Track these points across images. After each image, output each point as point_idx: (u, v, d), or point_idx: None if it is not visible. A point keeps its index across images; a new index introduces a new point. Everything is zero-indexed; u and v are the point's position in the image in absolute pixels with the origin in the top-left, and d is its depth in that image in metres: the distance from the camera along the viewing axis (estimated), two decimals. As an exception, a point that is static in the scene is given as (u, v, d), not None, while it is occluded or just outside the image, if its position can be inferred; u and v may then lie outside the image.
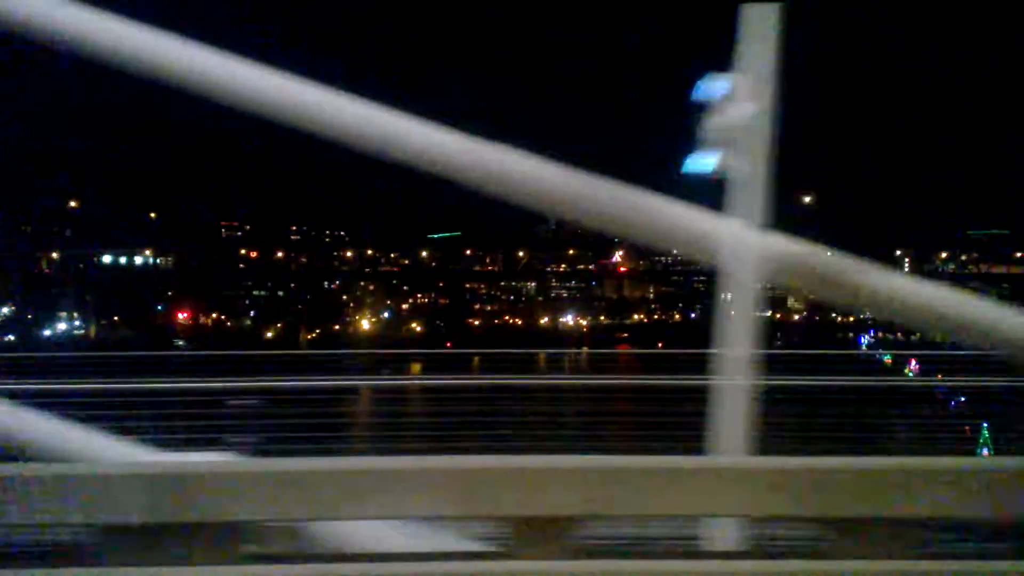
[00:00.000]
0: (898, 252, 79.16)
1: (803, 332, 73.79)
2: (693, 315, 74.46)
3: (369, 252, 78.63)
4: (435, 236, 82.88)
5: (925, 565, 3.45)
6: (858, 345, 67.65)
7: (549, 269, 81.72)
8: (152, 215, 73.49)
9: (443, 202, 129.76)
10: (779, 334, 74.19)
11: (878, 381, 9.29)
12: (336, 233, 78.26)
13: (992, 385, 9.56)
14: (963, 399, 10.73)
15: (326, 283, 76.36)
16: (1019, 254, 77.79)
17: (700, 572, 3.60)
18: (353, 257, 77.90)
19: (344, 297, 75.71)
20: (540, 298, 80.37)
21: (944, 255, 79.33)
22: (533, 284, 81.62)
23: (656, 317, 77.16)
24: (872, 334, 73.03)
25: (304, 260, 78.07)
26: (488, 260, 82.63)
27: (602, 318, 77.10)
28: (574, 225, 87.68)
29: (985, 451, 9.15)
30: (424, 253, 79.85)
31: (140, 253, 71.00)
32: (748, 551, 3.72)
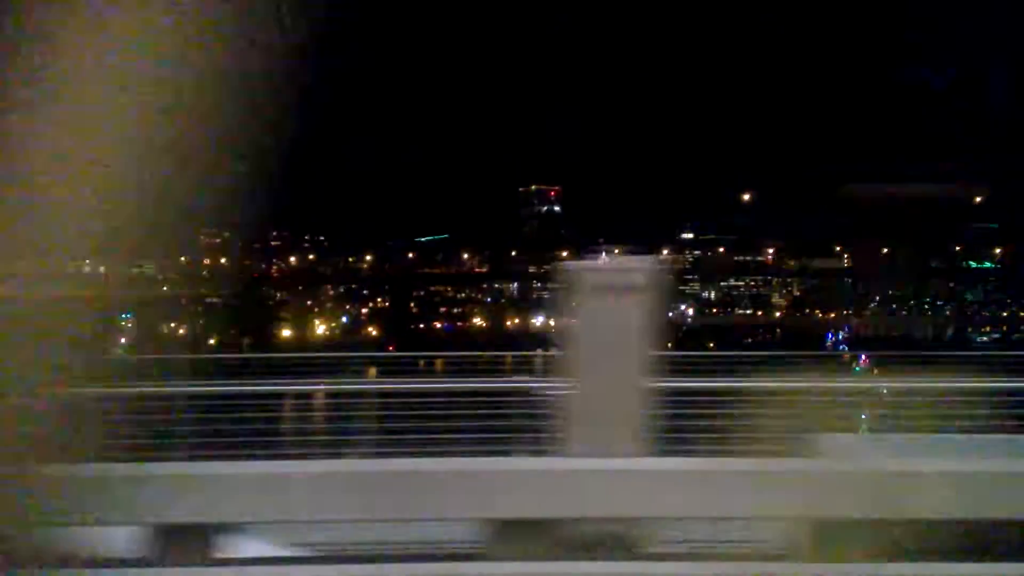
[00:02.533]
0: (837, 248, 79.64)
1: (783, 329, 74.22)
2: (671, 314, 74.66)
3: (311, 256, 78.18)
4: (423, 239, 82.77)
5: (923, 566, 3.49)
6: (825, 341, 67.98)
7: (531, 270, 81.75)
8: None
9: (432, 204, 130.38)
10: (758, 331, 74.94)
11: (785, 381, 9.29)
12: (316, 238, 78.05)
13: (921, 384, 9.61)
14: (884, 392, 10.83)
15: (289, 288, 75.96)
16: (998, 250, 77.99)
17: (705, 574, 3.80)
18: (298, 261, 77.64)
19: (303, 302, 75.51)
20: (516, 299, 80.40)
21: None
22: (515, 285, 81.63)
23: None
24: (847, 330, 73.54)
25: (267, 266, 77.67)
26: (475, 261, 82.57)
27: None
28: (559, 224, 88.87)
29: None
30: (368, 256, 79.39)
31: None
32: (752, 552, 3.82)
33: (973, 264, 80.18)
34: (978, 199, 76.23)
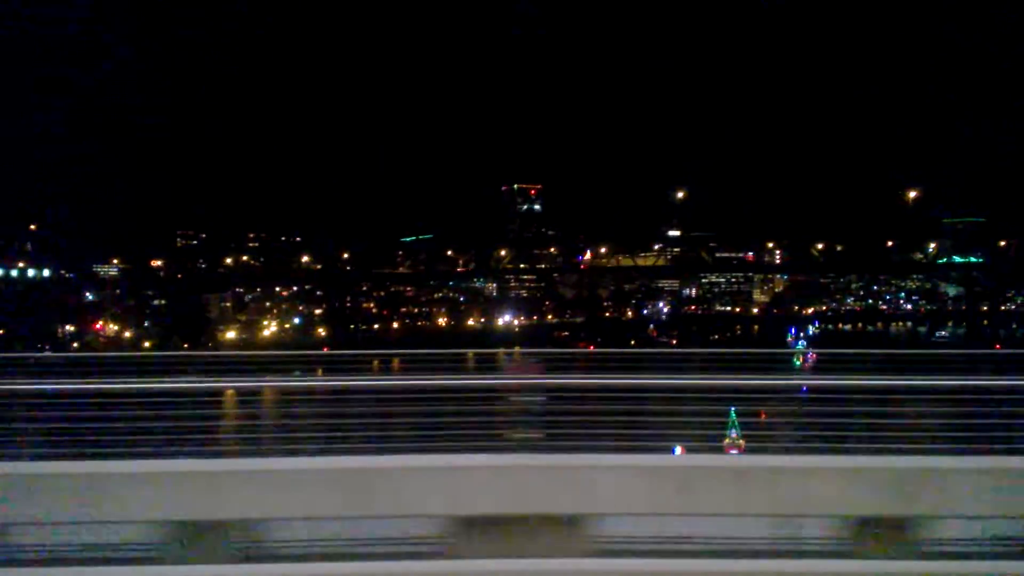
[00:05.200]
0: (771, 244, 79.68)
1: (762, 325, 74.15)
2: (645, 311, 74.69)
3: (247, 258, 76.99)
4: (408, 239, 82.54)
5: (924, 565, 3.42)
6: (787, 337, 67.75)
7: (510, 267, 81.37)
8: (32, 227, 72.24)
9: (417, 205, 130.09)
10: (738, 327, 75.01)
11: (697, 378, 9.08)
12: (293, 239, 77.58)
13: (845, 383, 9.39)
14: (804, 390, 10.58)
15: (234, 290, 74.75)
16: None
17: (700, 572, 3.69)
18: (234, 262, 76.68)
19: (249, 304, 74.59)
20: (494, 297, 79.92)
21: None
22: (494, 284, 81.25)
23: (608, 314, 76.80)
24: (816, 324, 73.57)
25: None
26: (461, 261, 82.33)
27: (550, 317, 76.77)
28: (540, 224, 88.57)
29: (733, 432, 9.23)
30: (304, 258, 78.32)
31: (14, 266, 69.92)
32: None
33: (958, 259, 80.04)
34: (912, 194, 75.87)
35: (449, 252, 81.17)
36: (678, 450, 7.63)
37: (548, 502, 3.85)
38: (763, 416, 8.54)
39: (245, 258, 76.93)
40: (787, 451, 7.11)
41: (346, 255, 77.90)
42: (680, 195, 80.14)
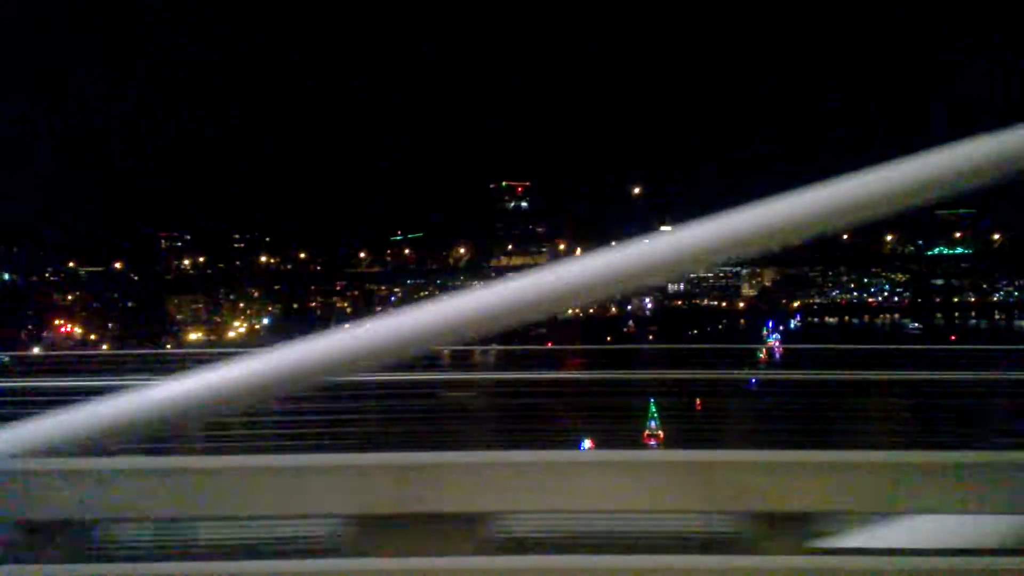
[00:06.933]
0: None
1: (748, 319, 73.98)
2: (628, 307, 74.47)
3: (203, 260, 76.26)
4: (397, 238, 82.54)
5: (923, 561, 3.26)
6: (765, 331, 67.52)
7: (496, 263, 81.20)
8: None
9: (404, 203, 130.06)
10: (723, 321, 74.92)
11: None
12: (276, 239, 77.41)
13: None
14: (754, 382, 10.68)
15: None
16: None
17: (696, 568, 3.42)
18: (191, 264, 75.86)
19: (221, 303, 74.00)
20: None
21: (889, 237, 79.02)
22: (480, 282, 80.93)
23: (591, 311, 76.54)
24: (798, 318, 73.34)
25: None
26: (445, 259, 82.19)
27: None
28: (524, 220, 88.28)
29: (652, 423, 9.57)
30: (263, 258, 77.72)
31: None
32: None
33: (945, 251, 79.96)
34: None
35: (414, 249, 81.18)
36: (587, 444, 7.47)
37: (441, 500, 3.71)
38: (699, 407, 8.43)
39: (202, 259, 76.34)
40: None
41: (303, 255, 77.25)
42: (646, 190, 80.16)
